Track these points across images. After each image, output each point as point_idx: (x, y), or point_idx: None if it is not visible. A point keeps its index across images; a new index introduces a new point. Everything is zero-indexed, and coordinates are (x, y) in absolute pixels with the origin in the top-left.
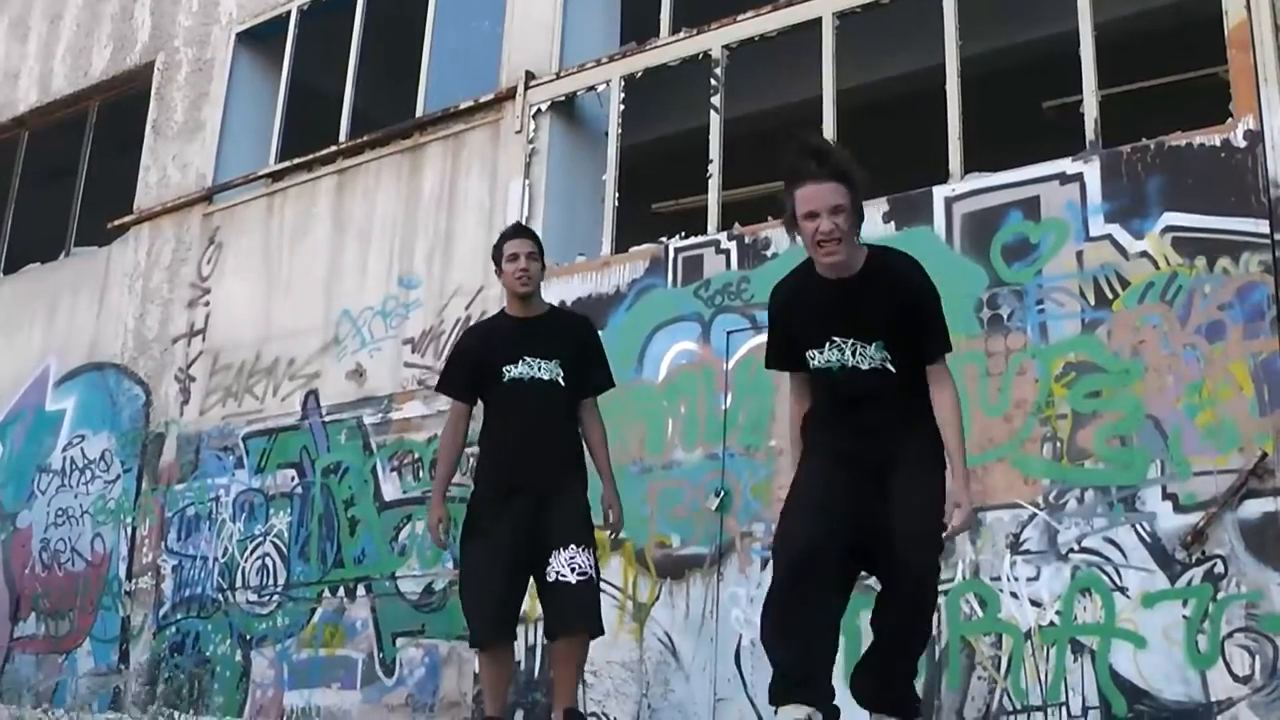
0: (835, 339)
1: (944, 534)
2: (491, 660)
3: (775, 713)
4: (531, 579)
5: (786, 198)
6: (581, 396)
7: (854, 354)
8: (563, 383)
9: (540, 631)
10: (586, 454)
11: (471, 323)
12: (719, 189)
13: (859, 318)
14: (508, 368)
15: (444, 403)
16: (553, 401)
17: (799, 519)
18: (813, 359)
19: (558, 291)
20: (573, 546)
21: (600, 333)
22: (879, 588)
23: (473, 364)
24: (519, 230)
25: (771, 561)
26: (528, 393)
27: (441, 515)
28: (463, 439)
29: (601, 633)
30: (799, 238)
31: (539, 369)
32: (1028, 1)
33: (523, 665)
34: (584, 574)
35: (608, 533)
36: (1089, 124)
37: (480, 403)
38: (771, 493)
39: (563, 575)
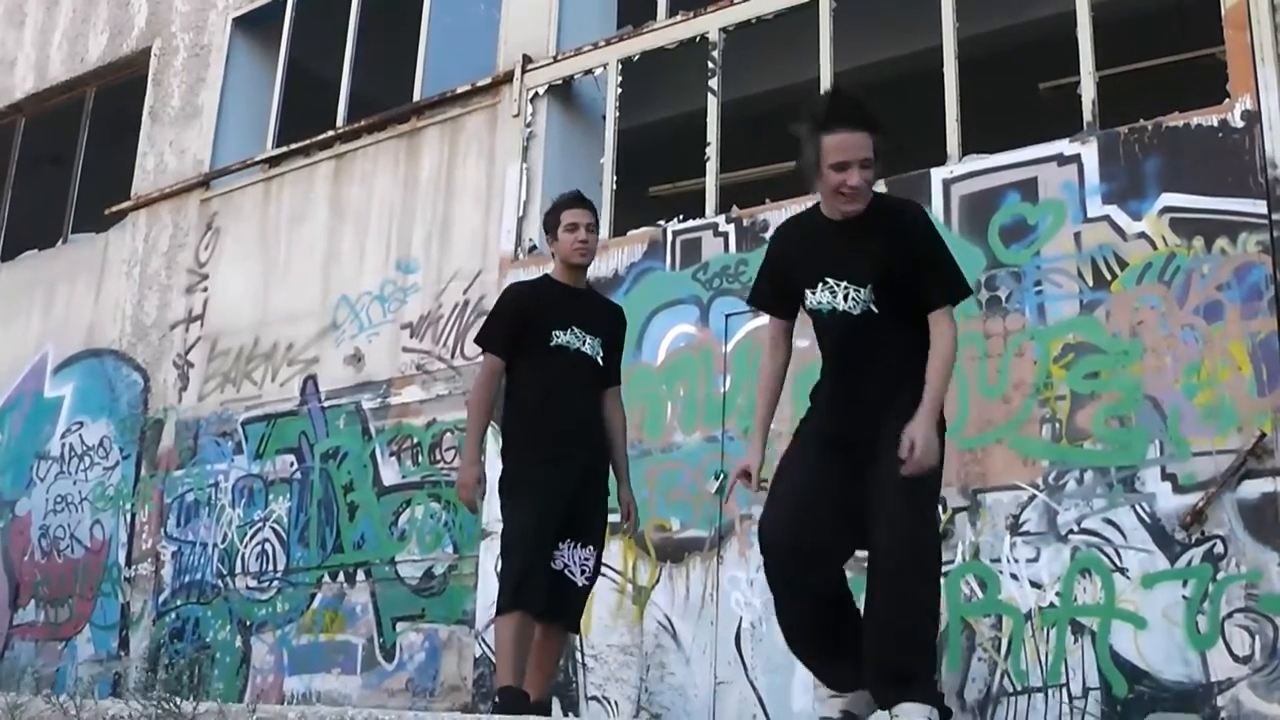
0: (828, 280)
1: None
2: (526, 626)
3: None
4: None
5: (810, 142)
6: (609, 383)
7: (845, 298)
8: (601, 362)
9: None
10: None
11: (510, 287)
12: (717, 172)
13: (852, 259)
14: (557, 333)
15: (441, 387)
16: (593, 377)
17: (781, 512)
18: (806, 299)
19: None
20: (591, 548)
21: None
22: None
23: (523, 322)
24: (579, 199)
25: (756, 547)
26: (573, 363)
27: (481, 475)
28: (494, 397)
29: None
30: (817, 184)
31: (584, 342)
32: None
33: None
34: (589, 579)
35: (623, 530)
36: (1086, 105)
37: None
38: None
39: (571, 573)
